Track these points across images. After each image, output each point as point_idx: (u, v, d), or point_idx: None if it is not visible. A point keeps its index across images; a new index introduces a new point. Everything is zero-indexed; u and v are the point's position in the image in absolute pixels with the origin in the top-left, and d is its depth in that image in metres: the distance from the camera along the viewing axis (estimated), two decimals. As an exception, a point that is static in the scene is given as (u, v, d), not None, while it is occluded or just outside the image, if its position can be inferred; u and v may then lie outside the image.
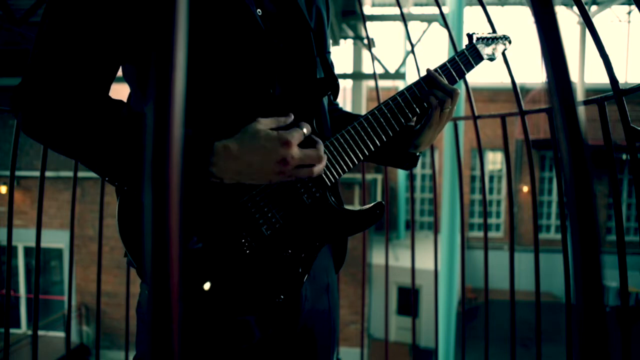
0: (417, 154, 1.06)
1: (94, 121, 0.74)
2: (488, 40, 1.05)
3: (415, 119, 1.00)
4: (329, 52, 1.00)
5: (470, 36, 1.03)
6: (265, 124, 0.78)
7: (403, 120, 0.94)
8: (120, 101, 0.78)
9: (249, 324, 0.85)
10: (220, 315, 0.83)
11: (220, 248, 0.81)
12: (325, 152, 0.87)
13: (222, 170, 0.75)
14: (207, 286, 0.80)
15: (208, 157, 0.73)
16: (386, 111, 0.93)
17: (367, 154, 0.92)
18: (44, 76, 0.72)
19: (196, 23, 0.77)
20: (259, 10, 0.85)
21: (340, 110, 1.13)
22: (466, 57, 1.01)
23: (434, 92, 0.95)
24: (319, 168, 0.81)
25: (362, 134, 0.91)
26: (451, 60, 0.99)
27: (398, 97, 0.94)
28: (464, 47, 1.03)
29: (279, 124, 0.80)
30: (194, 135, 0.74)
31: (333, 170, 0.88)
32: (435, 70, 0.97)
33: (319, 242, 0.88)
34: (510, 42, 1.11)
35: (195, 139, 0.74)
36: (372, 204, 0.92)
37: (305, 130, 0.81)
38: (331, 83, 0.89)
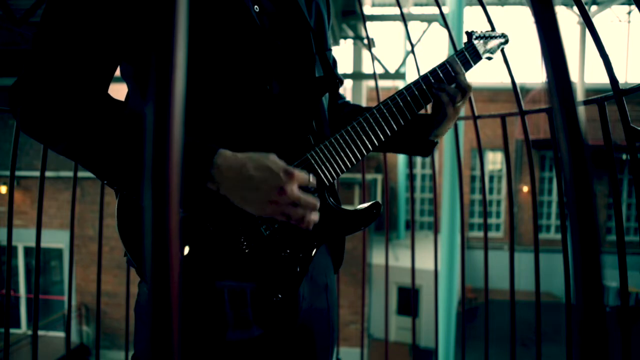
0: (436, 141, 1.07)
1: (92, 121, 0.73)
2: (486, 39, 1.04)
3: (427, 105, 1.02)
4: (330, 50, 1.00)
5: (469, 34, 1.03)
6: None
7: (409, 116, 0.94)
8: (121, 102, 0.78)
9: (246, 313, 0.84)
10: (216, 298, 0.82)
11: (219, 239, 0.81)
12: (323, 157, 0.87)
13: (222, 175, 0.73)
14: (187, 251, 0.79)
15: (211, 157, 0.73)
16: (392, 106, 0.93)
17: (365, 153, 0.91)
18: (42, 73, 0.72)
19: (192, 19, 0.77)
20: (256, 7, 0.85)
21: (350, 104, 1.13)
22: (465, 56, 1.00)
23: (445, 89, 0.96)
24: (310, 217, 0.78)
25: (360, 133, 0.90)
26: (450, 60, 0.99)
27: (405, 92, 0.95)
28: (463, 45, 1.03)
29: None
30: (200, 141, 0.74)
31: (331, 170, 0.88)
32: (434, 69, 0.97)
33: (316, 242, 0.88)
34: (507, 41, 1.11)
35: (202, 143, 0.74)
36: (369, 204, 0.92)
37: (311, 178, 0.79)
38: (330, 82, 0.89)
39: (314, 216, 0.79)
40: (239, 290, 0.82)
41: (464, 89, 0.96)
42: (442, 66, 0.98)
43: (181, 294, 0.74)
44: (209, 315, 0.82)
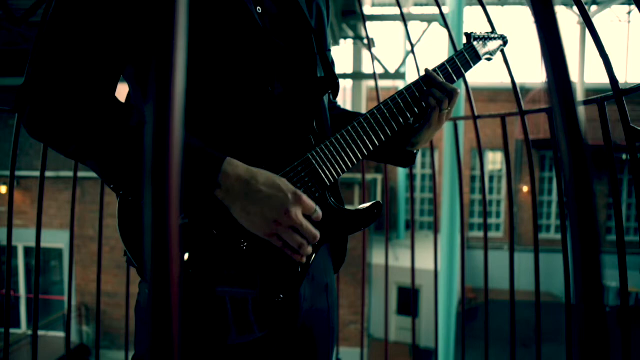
0: (415, 151, 1.06)
1: (101, 123, 0.73)
2: (486, 40, 1.05)
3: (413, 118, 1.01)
4: (329, 50, 1.00)
5: (468, 36, 1.04)
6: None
7: (402, 120, 0.94)
8: (128, 105, 0.78)
9: (249, 319, 0.84)
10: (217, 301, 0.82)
11: (219, 247, 0.80)
12: (323, 157, 0.87)
13: (229, 183, 0.73)
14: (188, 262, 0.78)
15: (220, 164, 0.73)
16: (385, 111, 0.93)
17: (365, 153, 0.92)
18: (49, 76, 0.72)
19: (194, 21, 0.77)
20: (258, 8, 0.85)
21: (339, 108, 1.13)
22: (464, 57, 1.01)
23: (432, 92, 0.95)
24: (307, 249, 0.78)
25: (362, 133, 0.91)
26: (450, 61, 1.00)
27: (397, 97, 0.94)
28: (462, 46, 1.04)
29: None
30: (211, 148, 0.74)
31: (332, 170, 0.88)
32: (434, 70, 0.98)
33: (317, 242, 0.88)
34: (506, 43, 1.11)
35: (212, 150, 0.74)
36: (370, 204, 0.92)
37: (318, 210, 0.80)
38: (331, 82, 0.89)
39: (309, 249, 0.79)
40: (240, 297, 0.82)
41: (450, 92, 0.95)
42: (442, 66, 0.99)
43: (182, 300, 0.74)
44: (210, 321, 0.82)
